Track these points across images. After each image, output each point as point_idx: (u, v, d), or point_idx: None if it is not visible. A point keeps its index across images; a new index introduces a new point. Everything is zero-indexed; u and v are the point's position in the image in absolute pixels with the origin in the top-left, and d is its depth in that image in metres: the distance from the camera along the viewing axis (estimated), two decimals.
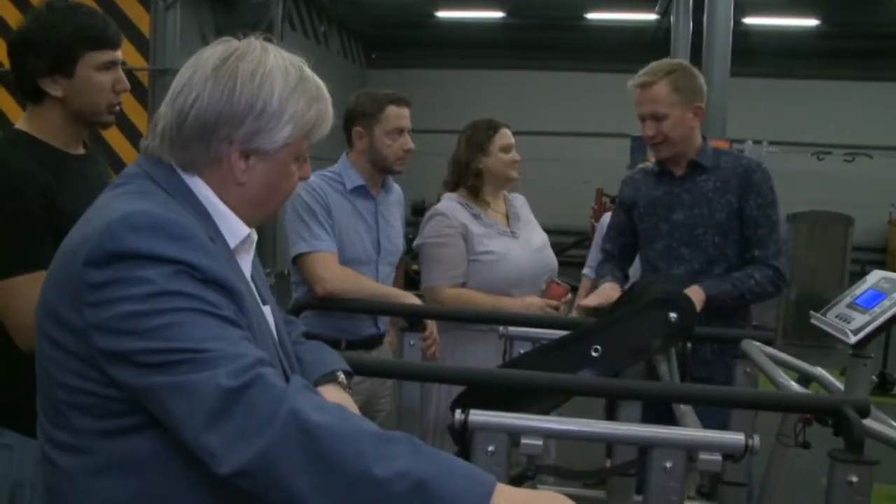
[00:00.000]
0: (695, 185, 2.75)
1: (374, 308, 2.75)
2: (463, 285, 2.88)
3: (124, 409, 1.15)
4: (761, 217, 2.70)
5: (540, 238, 3.08)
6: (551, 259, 3.08)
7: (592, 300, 2.66)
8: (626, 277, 3.00)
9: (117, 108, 2.03)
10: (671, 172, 2.80)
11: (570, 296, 3.00)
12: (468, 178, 2.97)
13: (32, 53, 1.91)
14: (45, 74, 1.92)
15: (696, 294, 2.51)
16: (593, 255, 4.27)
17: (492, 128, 2.97)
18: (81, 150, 2.07)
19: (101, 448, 1.17)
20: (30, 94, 1.98)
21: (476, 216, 2.93)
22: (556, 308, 2.84)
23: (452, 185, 3.02)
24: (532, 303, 2.83)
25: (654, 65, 2.75)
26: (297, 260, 2.68)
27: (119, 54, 2.02)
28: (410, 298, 2.66)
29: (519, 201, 3.13)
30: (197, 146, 1.26)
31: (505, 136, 2.97)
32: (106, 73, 1.97)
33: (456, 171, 3.01)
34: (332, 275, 2.62)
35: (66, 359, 1.16)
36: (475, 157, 2.95)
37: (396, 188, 3.01)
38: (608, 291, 2.69)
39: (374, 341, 2.86)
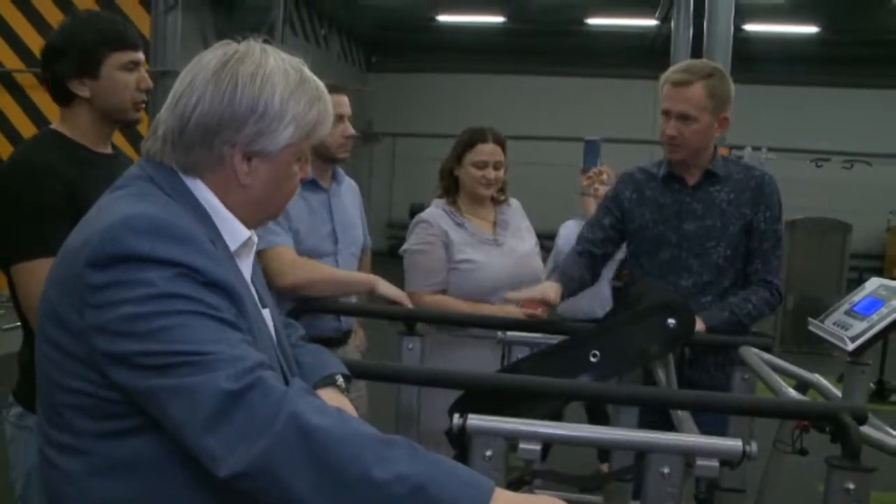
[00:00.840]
0: (707, 195, 2.66)
1: (368, 311, 2.75)
2: (444, 292, 2.90)
3: (124, 410, 1.15)
4: (769, 231, 2.64)
5: (527, 245, 3.06)
6: (535, 267, 3.06)
7: (523, 294, 2.53)
8: (595, 279, 2.86)
9: (142, 106, 2.17)
10: (682, 179, 2.70)
11: (547, 307, 2.97)
12: (449, 184, 3.01)
13: (60, 59, 2.07)
14: (73, 77, 2.07)
15: (697, 325, 2.38)
16: None
17: (472, 140, 2.95)
18: (109, 150, 2.21)
19: (101, 450, 1.17)
20: (60, 98, 2.12)
21: (460, 224, 2.95)
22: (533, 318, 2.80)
23: (442, 191, 3.04)
24: (509, 312, 2.77)
25: (691, 64, 2.68)
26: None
27: (140, 55, 2.16)
28: (376, 283, 2.62)
29: (511, 208, 3.11)
30: (199, 149, 1.26)
31: (481, 152, 2.92)
32: (129, 72, 2.12)
33: (441, 175, 3.05)
34: (291, 267, 2.60)
35: (66, 360, 1.16)
36: (452, 165, 3.00)
37: (348, 179, 3.01)
38: (547, 290, 2.53)
39: (337, 338, 2.82)
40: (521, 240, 3.05)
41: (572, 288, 2.69)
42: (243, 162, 1.27)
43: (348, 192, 2.99)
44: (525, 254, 3.02)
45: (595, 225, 2.84)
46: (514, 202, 3.14)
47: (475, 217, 3.00)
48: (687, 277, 2.66)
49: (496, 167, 2.95)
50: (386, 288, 2.61)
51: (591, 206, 4.26)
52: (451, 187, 3.01)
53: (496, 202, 3.06)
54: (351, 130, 2.83)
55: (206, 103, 1.24)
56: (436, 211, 2.99)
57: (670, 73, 2.63)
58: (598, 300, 4.39)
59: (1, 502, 3.07)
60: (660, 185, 2.73)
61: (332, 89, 2.77)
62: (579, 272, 2.74)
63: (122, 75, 2.10)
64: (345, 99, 2.83)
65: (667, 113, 2.61)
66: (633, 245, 2.81)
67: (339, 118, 2.79)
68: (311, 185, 2.81)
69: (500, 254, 2.94)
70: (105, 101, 2.10)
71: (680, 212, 2.68)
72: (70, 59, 2.06)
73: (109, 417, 1.16)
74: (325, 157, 2.81)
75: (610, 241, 2.82)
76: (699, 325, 2.42)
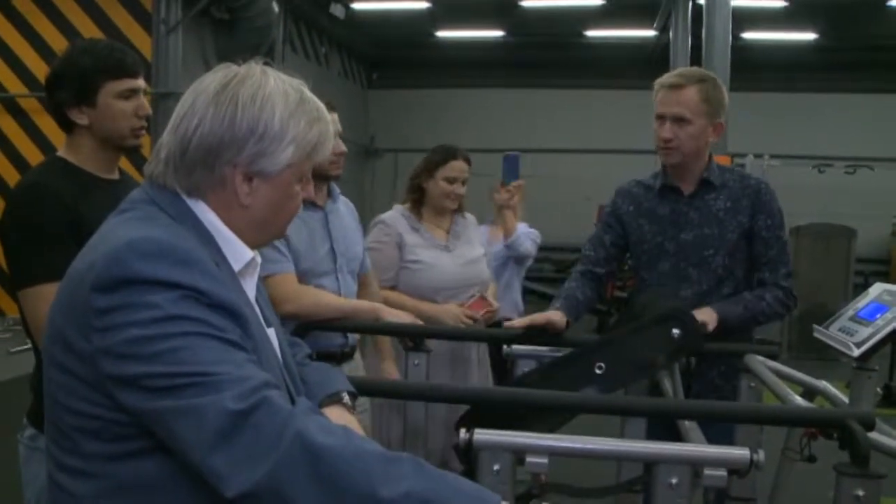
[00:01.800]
0: (703, 203, 2.66)
1: (374, 329, 2.75)
2: (394, 288, 3.17)
3: (132, 433, 1.15)
4: (772, 238, 2.62)
5: (474, 254, 3.35)
6: (481, 272, 3.36)
7: (523, 322, 2.49)
8: (601, 297, 2.90)
9: (142, 132, 2.20)
10: (678, 189, 2.69)
11: (491, 311, 3.15)
12: (417, 196, 3.28)
13: (60, 87, 2.12)
14: (72, 106, 2.12)
15: (708, 316, 2.43)
16: None
17: (446, 157, 3.24)
18: (115, 176, 2.24)
19: (110, 472, 1.17)
20: (63, 125, 2.16)
21: (415, 228, 3.24)
22: (474, 320, 3.04)
23: (410, 202, 3.29)
24: (449, 310, 3.07)
25: (685, 70, 2.70)
26: None
27: (140, 82, 2.19)
28: (381, 311, 2.64)
29: (465, 222, 3.40)
30: (200, 171, 1.27)
31: (453, 168, 3.23)
32: (126, 100, 2.15)
33: (411, 188, 3.30)
34: (294, 295, 2.61)
35: (74, 384, 1.17)
36: (422, 176, 3.26)
37: (343, 198, 3.03)
38: (551, 317, 2.46)
39: (344, 354, 2.82)
40: (471, 248, 3.35)
41: (579, 310, 2.67)
42: (244, 183, 1.28)
43: (346, 211, 3.01)
44: (472, 260, 3.32)
45: (596, 243, 2.82)
46: (469, 216, 3.45)
47: (431, 224, 3.28)
48: (686, 287, 2.64)
49: (463, 183, 3.26)
50: (391, 315, 2.64)
51: (510, 220, 4.49)
52: (418, 199, 3.28)
53: (454, 213, 3.35)
54: (342, 147, 2.85)
55: (207, 125, 1.25)
56: (395, 214, 3.28)
57: (664, 78, 2.65)
58: (512, 305, 4.66)
59: None
60: (656, 196, 2.73)
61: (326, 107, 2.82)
62: (584, 294, 2.71)
63: (120, 103, 2.13)
64: (335, 116, 2.85)
65: (661, 117, 2.62)
66: (634, 258, 2.81)
67: None
68: (307, 204, 2.81)
69: (450, 258, 3.24)
70: (103, 128, 2.14)
71: (677, 221, 2.68)
72: (69, 87, 2.10)
73: (117, 440, 1.16)
74: (318, 175, 2.82)
75: (612, 258, 2.82)
76: (711, 318, 2.44)
